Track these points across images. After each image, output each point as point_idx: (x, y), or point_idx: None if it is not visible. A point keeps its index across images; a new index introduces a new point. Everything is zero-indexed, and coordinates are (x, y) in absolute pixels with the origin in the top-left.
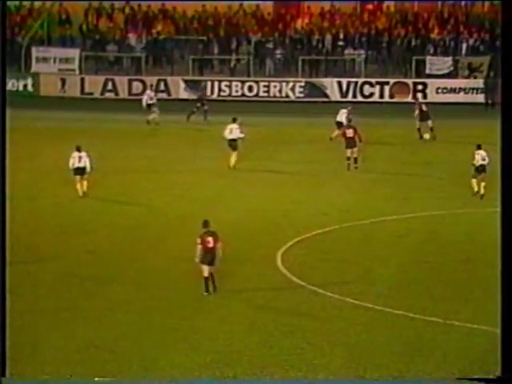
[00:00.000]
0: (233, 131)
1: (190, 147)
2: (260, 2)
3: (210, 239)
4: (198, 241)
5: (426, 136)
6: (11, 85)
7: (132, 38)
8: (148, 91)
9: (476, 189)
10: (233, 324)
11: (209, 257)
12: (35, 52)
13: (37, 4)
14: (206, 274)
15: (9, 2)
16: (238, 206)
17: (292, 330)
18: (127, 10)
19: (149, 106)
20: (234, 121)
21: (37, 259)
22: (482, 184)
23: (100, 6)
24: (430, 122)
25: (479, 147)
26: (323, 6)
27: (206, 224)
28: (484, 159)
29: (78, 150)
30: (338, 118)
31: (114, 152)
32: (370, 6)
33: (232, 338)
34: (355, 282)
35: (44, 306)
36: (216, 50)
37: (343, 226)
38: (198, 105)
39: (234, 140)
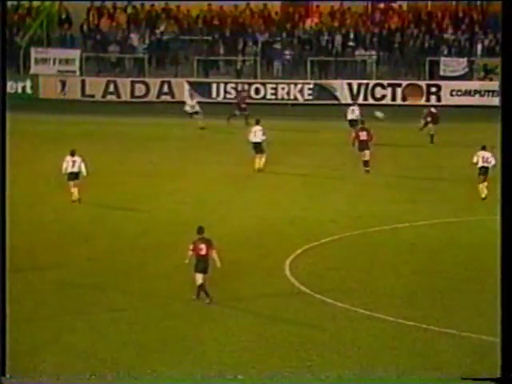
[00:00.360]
0: (256, 134)
1: (196, 151)
2: (267, 2)
3: (203, 246)
4: (191, 247)
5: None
6: (9, 87)
7: (134, 38)
8: (189, 100)
9: (483, 194)
10: (240, 335)
11: (201, 264)
12: (34, 53)
13: (35, 3)
14: (199, 281)
15: (8, 2)
16: (246, 212)
17: (301, 341)
18: (129, 10)
19: (191, 114)
20: (258, 123)
21: (37, 266)
22: (484, 185)
23: (101, 6)
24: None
25: (484, 148)
26: (333, 5)
27: (200, 230)
28: (487, 161)
29: (72, 154)
30: (350, 116)
31: (117, 156)
32: (381, 5)
33: (239, 350)
34: (366, 291)
35: (44, 314)
36: (222, 51)
37: (354, 233)
38: (240, 107)
39: (258, 143)
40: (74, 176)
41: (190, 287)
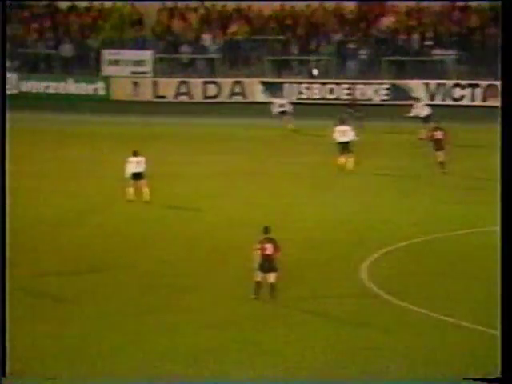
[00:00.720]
0: (346, 133)
1: (268, 151)
2: (341, 2)
3: (269, 246)
4: (257, 247)
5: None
6: (82, 89)
7: (206, 38)
8: (277, 100)
9: None
10: (308, 339)
11: (266, 264)
12: (106, 55)
13: (107, 4)
14: (258, 278)
15: (78, 3)
16: (325, 213)
17: (376, 346)
18: (201, 10)
19: (281, 113)
20: (344, 122)
21: (108, 268)
22: None
23: (173, 6)
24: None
25: None
26: (409, 4)
27: (266, 230)
28: None
29: (135, 154)
30: (424, 113)
31: (187, 157)
32: (460, 3)
33: (306, 355)
34: (444, 296)
35: (129, 312)
36: (295, 51)
37: (434, 236)
38: (350, 110)
39: (346, 143)
40: (139, 176)
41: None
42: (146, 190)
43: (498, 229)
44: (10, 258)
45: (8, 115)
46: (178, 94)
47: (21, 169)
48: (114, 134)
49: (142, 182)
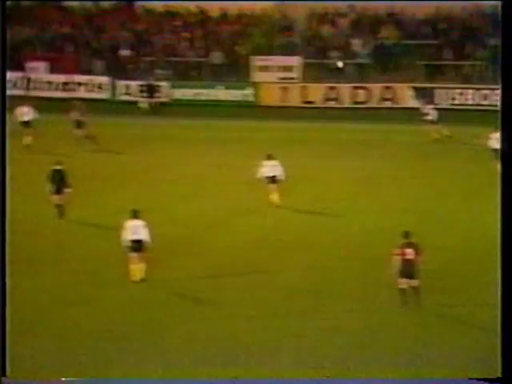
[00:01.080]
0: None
1: (414, 156)
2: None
3: (410, 251)
4: (397, 252)
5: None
6: (231, 95)
7: (356, 43)
8: (426, 106)
9: None
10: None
11: (407, 269)
12: (255, 61)
13: (258, 11)
14: (403, 286)
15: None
16: (471, 223)
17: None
18: (352, 15)
19: (429, 119)
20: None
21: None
22: None
23: (323, 12)
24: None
25: None
26: None
27: (406, 235)
28: None
29: (270, 158)
30: None
31: (332, 161)
32: None
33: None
34: None
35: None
36: (448, 56)
37: None
38: None
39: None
40: (273, 180)
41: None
42: (276, 194)
43: None
44: (168, 262)
45: (160, 122)
46: (327, 99)
47: (182, 171)
48: (262, 140)
49: (274, 186)
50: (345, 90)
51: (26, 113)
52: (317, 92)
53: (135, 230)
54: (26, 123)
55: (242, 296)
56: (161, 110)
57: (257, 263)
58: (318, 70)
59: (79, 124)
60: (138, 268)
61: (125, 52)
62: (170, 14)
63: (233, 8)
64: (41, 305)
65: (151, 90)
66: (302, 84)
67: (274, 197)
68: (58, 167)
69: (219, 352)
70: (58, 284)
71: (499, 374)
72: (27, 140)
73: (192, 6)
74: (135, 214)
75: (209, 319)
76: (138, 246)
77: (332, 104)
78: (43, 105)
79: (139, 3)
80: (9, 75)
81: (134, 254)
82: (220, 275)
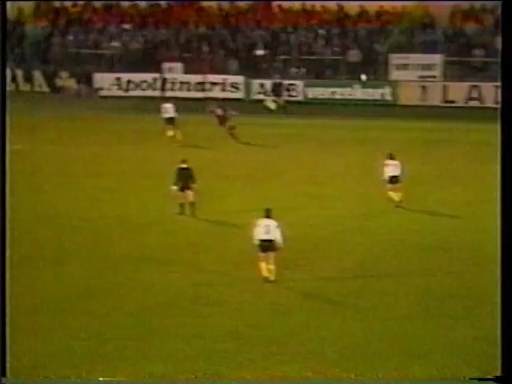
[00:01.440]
0: None
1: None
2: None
3: None
4: None
5: None
6: (368, 94)
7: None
8: None
9: None
10: None
11: None
12: (394, 59)
13: (398, 8)
14: None
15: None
16: None
17: None
18: (498, 12)
19: None
20: None
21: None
22: None
23: (468, 8)
24: None
25: None
26: None
27: None
28: None
29: (391, 157)
30: None
31: (478, 165)
32: None
33: None
34: None
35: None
36: None
37: None
38: None
39: None
40: (395, 180)
41: None
42: (398, 194)
43: None
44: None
45: (294, 121)
46: (469, 98)
47: (312, 173)
48: (398, 139)
49: (397, 185)
50: (488, 88)
51: (169, 109)
52: (459, 91)
53: (267, 229)
54: (170, 119)
55: (384, 300)
56: (294, 108)
57: (392, 265)
58: (460, 68)
59: (223, 120)
60: (267, 268)
61: (260, 51)
62: (307, 13)
63: (373, 6)
64: (182, 305)
65: (279, 89)
66: (443, 83)
67: (395, 196)
68: (184, 165)
69: (352, 355)
70: (195, 284)
71: (499, 373)
72: (170, 133)
73: (331, 3)
74: (268, 213)
75: (349, 324)
76: (268, 245)
77: (475, 104)
78: (178, 105)
79: (276, 2)
80: (145, 76)
81: (263, 254)
82: (358, 276)
